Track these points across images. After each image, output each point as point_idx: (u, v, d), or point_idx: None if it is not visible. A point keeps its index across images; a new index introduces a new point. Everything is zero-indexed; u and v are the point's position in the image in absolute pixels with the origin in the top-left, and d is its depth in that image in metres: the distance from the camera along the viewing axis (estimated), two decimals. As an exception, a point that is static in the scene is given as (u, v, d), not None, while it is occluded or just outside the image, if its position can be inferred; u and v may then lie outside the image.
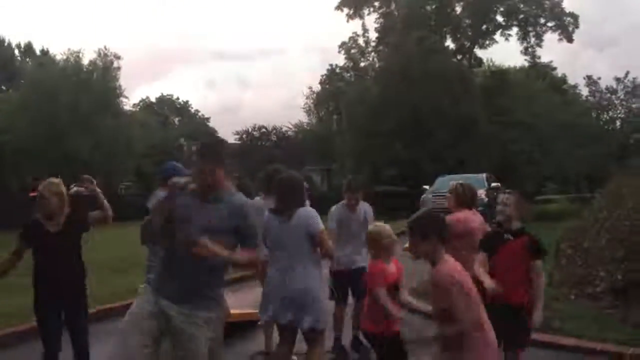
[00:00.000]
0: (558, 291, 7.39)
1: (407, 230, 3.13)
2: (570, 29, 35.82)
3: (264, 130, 38.66)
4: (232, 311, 5.53)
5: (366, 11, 37.17)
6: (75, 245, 4.69)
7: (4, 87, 35.66)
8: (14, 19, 63.36)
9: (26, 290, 4.72)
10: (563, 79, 43.02)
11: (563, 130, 31.36)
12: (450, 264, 3.04)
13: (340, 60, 38.49)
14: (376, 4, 37.16)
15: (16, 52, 38.89)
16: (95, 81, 29.48)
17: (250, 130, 38.79)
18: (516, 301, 4.15)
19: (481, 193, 17.37)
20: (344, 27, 38.68)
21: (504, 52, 63.24)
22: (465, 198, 5.26)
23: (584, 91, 42.03)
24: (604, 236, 8.25)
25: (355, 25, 38.11)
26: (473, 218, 5.17)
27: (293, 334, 4.36)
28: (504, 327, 3.80)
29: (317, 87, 40.61)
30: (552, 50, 46.69)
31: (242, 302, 7.17)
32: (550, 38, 36.05)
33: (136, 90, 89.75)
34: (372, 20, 37.25)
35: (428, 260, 3.07)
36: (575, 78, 41.65)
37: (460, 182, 5.48)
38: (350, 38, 37.93)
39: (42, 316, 4.58)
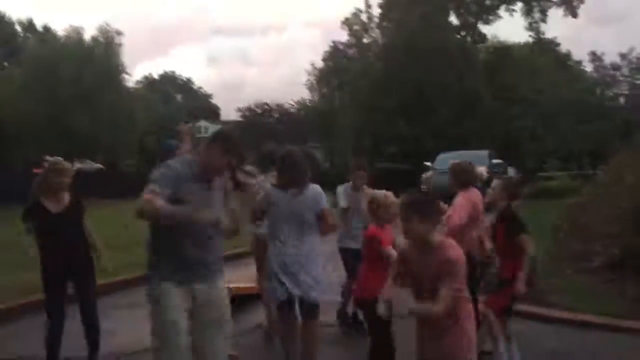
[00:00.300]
0: (554, 266, 7.43)
1: (402, 209, 3.14)
2: (575, 4, 35.46)
3: (266, 106, 38.59)
4: (232, 285, 5.60)
5: (369, -15, 36.86)
6: (79, 223, 4.78)
7: (6, 64, 35.60)
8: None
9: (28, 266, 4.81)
10: (567, 55, 42.70)
11: (567, 107, 31.25)
12: (452, 242, 3.09)
13: (343, 36, 38.28)
14: (379, -22, 36.83)
15: (18, 28, 38.76)
16: (97, 57, 29.40)
17: (252, 106, 38.77)
18: (505, 276, 4.35)
19: (483, 170, 17.39)
20: (347, 3, 38.24)
21: (508, 27, 62.66)
22: (465, 176, 5.25)
23: (589, 67, 41.78)
24: (602, 211, 8.28)
25: (358, 0, 37.78)
26: (478, 197, 5.22)
27: (292, 306, 4.42)
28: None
29: (320, 64, 40.44)
30: (557, 25, 46.38)
31: (240, 277, 7.25)
32: (555, 13, 35.67)
33: (139, 68, 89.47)
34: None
35: (418, 240, 3.10)
36: (580, 54, 41.36)
37: (457, 160, 5.47)
38: (353, 14, 37.66)
39: (50, 292, 4.70)
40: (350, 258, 5.61)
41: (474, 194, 5.16)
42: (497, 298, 4.39)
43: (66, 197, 4.73)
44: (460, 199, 4.94)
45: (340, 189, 5.81)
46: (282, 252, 4.27)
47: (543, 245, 7.52)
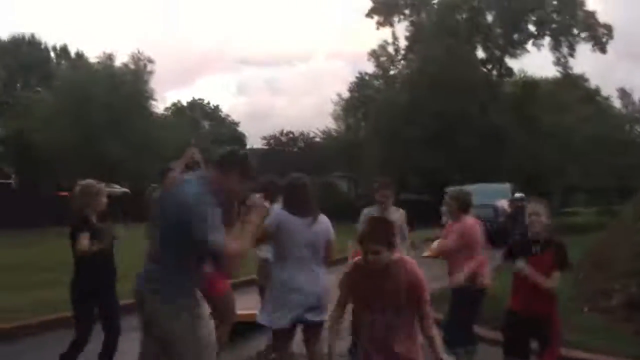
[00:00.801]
0: (573, 304, 7.27)
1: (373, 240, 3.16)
2: (604, 39, 35.33)
3: (291, 135, 38.85)
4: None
5: (396, 19, 37.23)
6: (111, 242, 4.94)
7: (39, 89, 36.49)
8: (51, 22, 64.82)
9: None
10: (596, 91, 42.35)
11: (594, 142, 30.87)
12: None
13: (370, 67, 38.56)
14: (406, 12, 37.17)
15: (52, 54, 39.81)
16: (127, 84, 30.01)
17: (277, 135, 39.06)
18: (543, 311, 4.24)
19: (504, 203, 17.28)
20: (375, 35, 38.59)
21: (537, 62, 62.50)
22: (464, 204, 5.33)
23: (617, 103, 41.36)
24: (623, 248, 8.11)
25: (386, 33, 38.12)
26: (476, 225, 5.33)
27: (292, 336, 4.41)
28: (533, 338, 4.20)
29: (346, 94, 40.69)
30: (587, 60, 46.15)
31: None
32: (584, 48, 35.58)
33: (169, 95, 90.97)
34: (402, 28, 37.29)
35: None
36: (610, 89, 40.89)
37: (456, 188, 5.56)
38: (380, 46, 37.98)
39: (81, 308, 4.82)
40: None
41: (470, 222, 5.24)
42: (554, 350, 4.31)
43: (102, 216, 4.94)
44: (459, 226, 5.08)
45: (365, 211, 5.72)
46: (294, 279, 4.25)
47: (564, 283, 7.37)
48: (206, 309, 3.21)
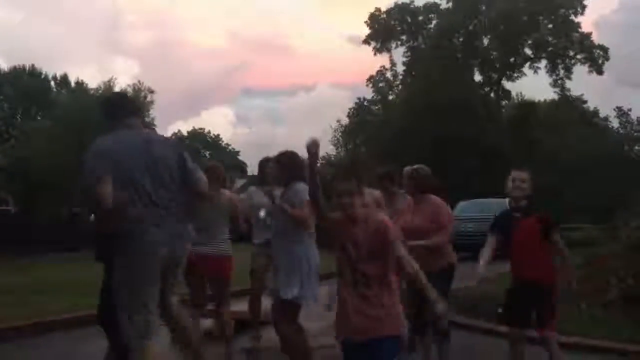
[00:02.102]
0: (571, 300, 7.15)
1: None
2: (600, 61, 35.60)
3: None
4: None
5: (393, 45, 37.61)
6: None
7: (39, 117, 36.68)
8: (52, 52, 65.53)
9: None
10: (595, 112, 42.42)
11: (593, 162, 30.81)
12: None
13: (369, 93, 38.78)
14: (403, 37, 37.56)
15: (52, 83, 40.14)
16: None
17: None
18: (536, 278, 4.14)
19: (503, 217, 17.12)
20: (375, 61, 39.01)
21: (534, 85, 62.88)
22: (427, 182, 5.10)
23: (615, 123, 41.39)
24: (619, 246, 8.05)
25: (383, 59, 38.46)
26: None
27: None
28: (531, 307, 4.14)
29: (345, 121, 40.82)
30: (585, 83, 46.42)
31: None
32: (581, 70, 35.86)
33: (171, 126, 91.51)
34: (399, 53, 37.61)
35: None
36: (608, 111, 41.10)
37: (415, 167, 5.24)
38: (377, 72, 38.28)
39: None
40: None
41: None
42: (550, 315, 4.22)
43: None
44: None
45: None
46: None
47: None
48: None
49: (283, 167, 4.61)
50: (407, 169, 5.19)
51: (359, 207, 3.11)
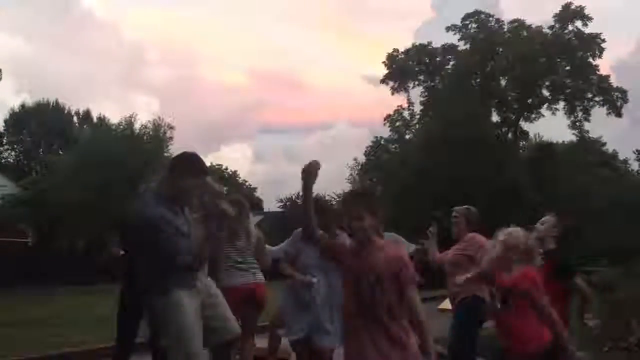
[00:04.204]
0: (592, 343, 7.02)
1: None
2: (619, 103, 35.56)
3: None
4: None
5: (411, 85, 37.89)
6: None
7: (61, 152, 37.28)
8: (76, 88, 66.79)
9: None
10: (613, 155, 42.20)
11: (613, 205, 30.47)
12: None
13: (386, 132, 38.94)
14: (421, 77, 37.86)
15: (75, 119, 40.93)
16: (145, 147, 30.47)
17: (293, 198, 39.19)
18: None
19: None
20: (393, 101, 39.29)
21: (552, 125, 62.73)
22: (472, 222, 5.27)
23: (634, 165, 41.12)
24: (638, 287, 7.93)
25: (401, 98, 38.71)
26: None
27: None
28: None
29: (362, 159, 40.95)
30: (603, 125, 46.13)
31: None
32: (600, 112, 35.81)
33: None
34: (417, 93, 37.86)
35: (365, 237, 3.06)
36: (628, 153, 40.88)
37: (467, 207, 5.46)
38: (395, 111, 38.48)
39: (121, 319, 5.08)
40: None
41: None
42: None
43: None
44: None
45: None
46: None
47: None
48: None
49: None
50: (459, 208, 5.45)
51: (372, 231, 3.05)
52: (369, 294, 2.95)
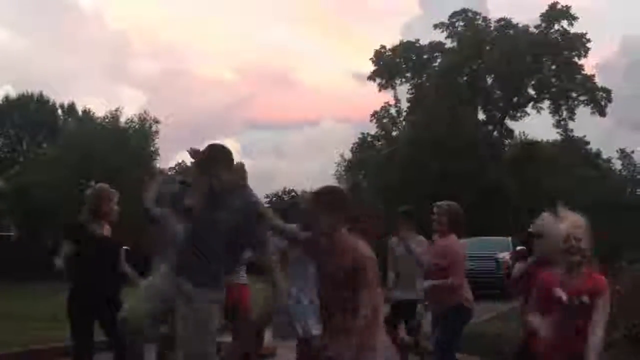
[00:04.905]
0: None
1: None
2: (603, 103, 35.90)
3: (293, 194, 38.96)
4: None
5: (398, 82, 37.97)
6: (117, 253, 4.84)
7: (45, 145, 36.89)
8: (60, 81, 66.08)
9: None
10: (597, 154, 42.56)
11: (595, 204, 30.77)
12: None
13: (372, 129, 39.01)
14: (408, 75, 37.96)
15: (59, 111, 40.43)
16: (130, 141, 30.27)
17: (280, 194, 39.24)
18: None
19: (505, 256, 17.14)
20: (379, 98, 39.31)
21: (538, 124, 63.12)
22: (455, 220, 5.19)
23: (618, 165, 41.54)
24: (627, 287, 8.04)
25: (387, 95, 38.80)
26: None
27: None
28: None
29: (348, 155, 40.97)
30: (587, 124, 46.41)
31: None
32: (584, 112, 36.18)
33: (175, 155, 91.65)
34: (403, 90, 37.95)
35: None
36: (611, 152, 41.31)
37: (448, 203, 5.37)
38: (382, 108, 38.55)
39: (77, 323, 4.72)
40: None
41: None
42: None
43: (108, 226, 4.87)
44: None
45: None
46: None
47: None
48: None
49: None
50: (441, 203, 5.34)
51: (329, 229, 3.10)
52: (328, 289, 3.07)
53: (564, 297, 3.45)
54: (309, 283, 4.53)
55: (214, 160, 3.85)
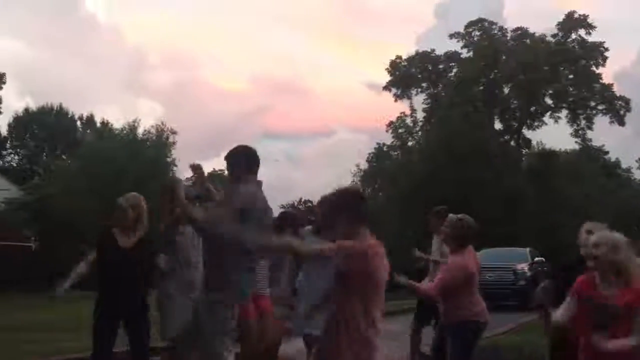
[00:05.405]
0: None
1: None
2: (622, 112, 35.56)
3: (309, 204, 38.95)
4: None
5: (414, 92, 37.91)
6: (142, 265, 4.73)
7: (64, 157, 37.36)
8: (79, 93, 66.85)
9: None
10: (616, 163, 42.16)
11: (615, 213, 30.46)
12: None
13: (388, 139, 38.94)
14: (424, 85, 37.91)
15: (78, 123, 41.02)
16: (148, 152, 30.52)
17: (295, 204, 39.26)
18: None
19: (524, 267, 17.02)
20: (395, 107, 39.27)
21: (555, 134, 62.53)
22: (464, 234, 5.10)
23: (637, 174, 41.12)
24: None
25: (403, 105, 38.73)
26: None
27: None
28: None
29: (364, 165, 40.91)
30: (606, 134, 45.89)
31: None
32: (603, 121, 35.86)
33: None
34: (419, 100, 37.88)
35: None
36: (630, 162, 40.92)
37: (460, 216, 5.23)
38: (397, 118, 38.47)
39: (98, 327, 4.71)
40: None
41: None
42: None
43: (137, 234, 4.78)
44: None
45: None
46: None
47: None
48: None
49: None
50: (453, 216, 5.26)
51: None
52: (340, 293, 3.08)
53: (593, 300, 3.64)
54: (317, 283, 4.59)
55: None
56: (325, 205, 3.20)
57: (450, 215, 5.29)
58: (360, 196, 3.31)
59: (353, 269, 2.96)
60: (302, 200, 39.76)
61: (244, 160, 4.23)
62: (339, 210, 3.13)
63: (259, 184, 4.34)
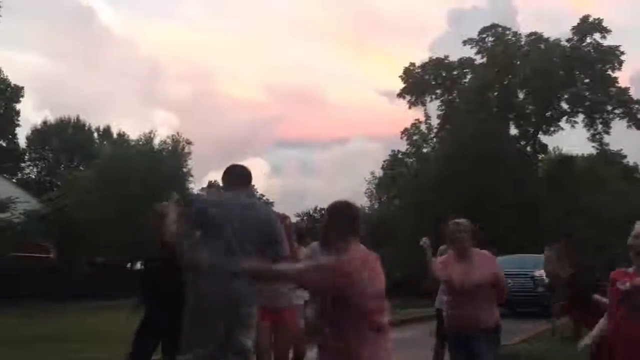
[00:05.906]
0: None
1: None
2: (639, 116, 35.23)
3: (324, 213, 38.98)
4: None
5: (428, 98, 37.87)
6: (179, 273, 4.59)
7: (82, 168, 37.78)
8: (96, 105, 67.67)
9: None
10: (635, 167, 41.68)
11: (633, 219, 30.13)
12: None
13: (403, 146, 38.89)
14: (438, 91, 37.85)
15: (95, 135, 41.50)
16: (165, 162, 30.76)
17: (311, 212, 39.30)
18: None
19: (542, 273, 16.81)
20: (409, 115, 39.26)
21: (572, 138, 61.96)
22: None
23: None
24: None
25: (417, 112, 38.69)
26: None
27: None
28: None
29: (379, 173, 40.85)
30: (624, 137, 45.40)
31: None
32: (620, 124, 35.53)
33: (206, 176, 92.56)
34: (434, 107, 37.83)
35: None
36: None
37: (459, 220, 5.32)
38: (412, 125, 38.43)
39: (138, 339, 4.89)
40: None
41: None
42: None
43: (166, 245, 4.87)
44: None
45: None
46: None
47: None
48: None
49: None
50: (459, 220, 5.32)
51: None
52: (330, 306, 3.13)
53: (624, 287, 3.83)
54: None
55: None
56: (322, 220, 3.32)
57: (462, 220, 5.33)
58: (350, 208, 3.33)
59: (329, 286, 3.00)
60: (317, 208, 39.77)
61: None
62: (331, 223, 3.21)
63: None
